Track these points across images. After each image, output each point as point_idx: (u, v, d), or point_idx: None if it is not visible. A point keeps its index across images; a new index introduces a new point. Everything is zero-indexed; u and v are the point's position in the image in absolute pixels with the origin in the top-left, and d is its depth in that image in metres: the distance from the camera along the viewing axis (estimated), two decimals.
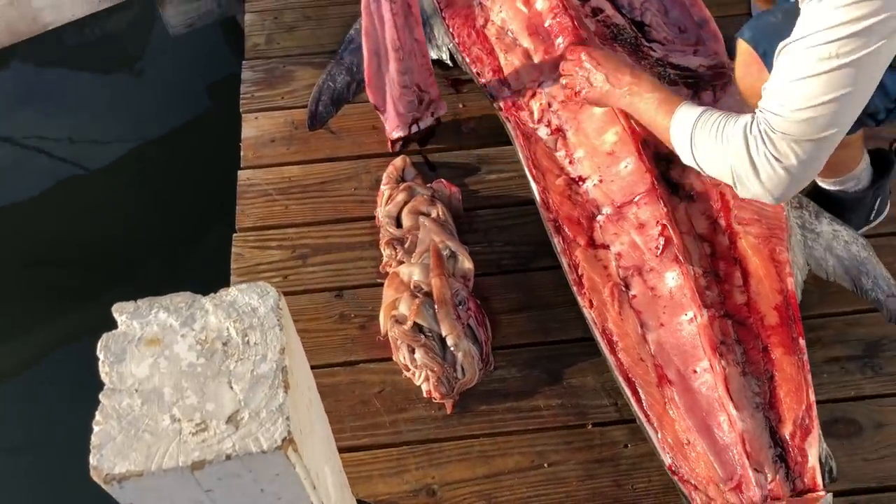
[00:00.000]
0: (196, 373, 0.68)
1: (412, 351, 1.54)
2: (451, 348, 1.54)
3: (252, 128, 1.93)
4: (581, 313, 1.50)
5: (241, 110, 1.96)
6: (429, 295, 1.59)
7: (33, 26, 2.88)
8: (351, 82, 1.97)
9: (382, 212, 1.74)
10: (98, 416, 0.66)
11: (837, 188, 1.63)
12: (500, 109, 1.78)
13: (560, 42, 1.76)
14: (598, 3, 1.93)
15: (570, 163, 1.66)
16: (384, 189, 1.78)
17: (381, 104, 1.80)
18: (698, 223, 1.52)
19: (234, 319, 0.70)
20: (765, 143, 1.16)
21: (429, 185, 1.77)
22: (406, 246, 1.68)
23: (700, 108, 1.30)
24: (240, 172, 1.86)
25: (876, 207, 1.67)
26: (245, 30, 2.11)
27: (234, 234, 1.77)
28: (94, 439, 0.65)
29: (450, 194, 1.76)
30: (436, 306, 1.57)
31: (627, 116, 1.59)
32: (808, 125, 1.12)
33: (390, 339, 1.57)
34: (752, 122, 1.19)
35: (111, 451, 0.64)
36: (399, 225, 1.72)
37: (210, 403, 0.67)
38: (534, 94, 1.76)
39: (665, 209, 1.49)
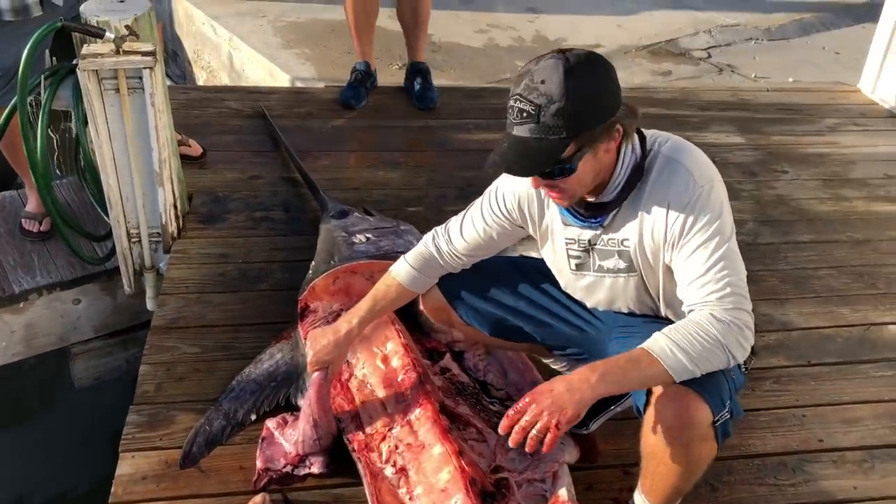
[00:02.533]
0: None
1: None
2: None
3: (127, 465, 2.07)
4: None
5: (119, 450, 2.12)
6: None
7: None
8: (226, 426, 2.18)
9: None
10: None
11: None
12: (354, 451, 1.99)
13: (409, 393, 2.05)
14: (447, 363, 2.27)
15: (410, 498, 1.85)
16: None
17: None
18: None
19: None
20: (737, 319, 1.57)
21: None
22: None
23: (661, 342, 1.57)
24: None
25: None
26: (138, 379, 2.35)
27: None
28: None
29: None
30: None
31: (459, 456, 1.82)
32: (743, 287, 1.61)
33: None
34: (714, 320, 1.57)
35: None
36: None
37: None
38: (384, 438, 2.00)
39: None
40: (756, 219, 3.31)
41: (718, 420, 1.60)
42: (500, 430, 1.57)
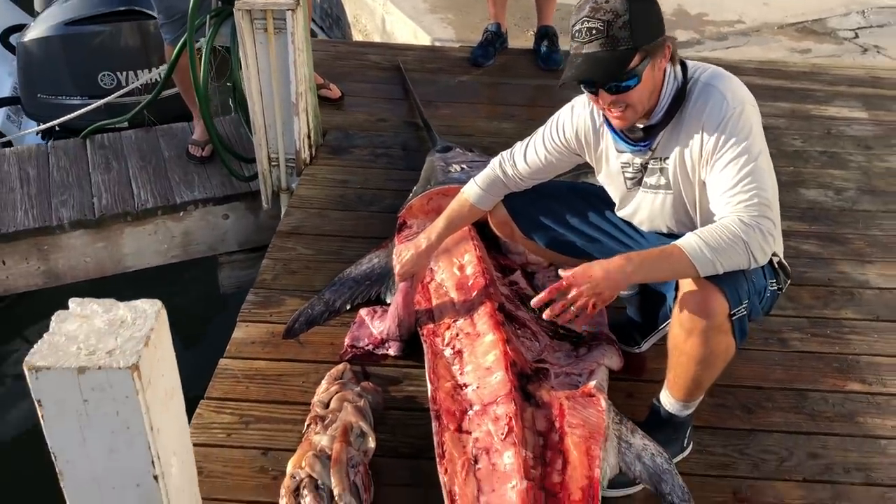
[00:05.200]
0: (99, 331, 1.19)
1: (296, 498, 1.93)
2: (336, 498, 1.93)
3: (241, 332, 2.51)
4: None
5: (237, 320, 2.56)
6: (330, 457, 2.01)
7: (117, 267, 3.69)
8: (325, 311, 2.58)
9: (316, 398, 2.23)
10: (38, 345, 1.17)
11: (683, 412, 2.03)
12: (423, 335, 2.32)
13: (476, 294, 2.35)
14: (516, 278, 2.55)
15: (461, 373, 2.15)
16: (323, 383, 2.28)
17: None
18: (539, 422, 1.96)
19: (132, 313, 1.23)
20: (761, 224, 1.73)
21: (360, 385, 2.27)
22: (326, 423, 2.14)
23: (691, 240, 1.76)
24: (221, 361, 2.41)
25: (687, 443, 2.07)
26: (260, 269, 2.79)
27: (201, 401, 2.26)
28: (32, 349, 1.15)
29: (374, 392, 2.24)
30: (331, 464, 1.98)
31: (506, 343, 2.11)
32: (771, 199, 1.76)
33: (283, 486, 1.97)
34: (740, 222, 1.73)
35: (37, 356, 1.14)
36: (327, 407, 2.20)
37: (101, 344, 1.17)
38: (448, 327, 2.31)
39: (515, 408, 1.94)
40: (859, 187, 3.33)
41: (735, 314, 1.78)
42: (535, 303, 1.82)
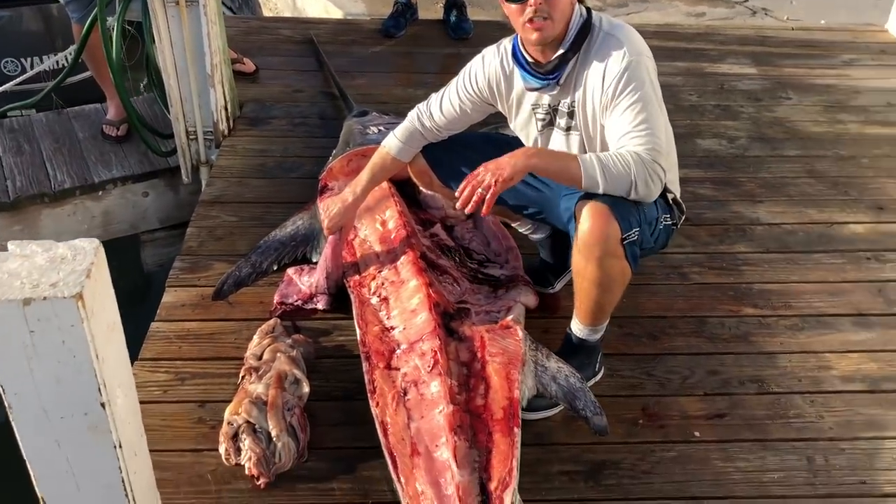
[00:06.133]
0: (41, 267, 1.27)
1: (235, 443, 2.03)
2: (274, 440, 2.03)
3: (170, 296, 2.57)
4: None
5: (165, 285, 2.62)
6: (266, 403, 2.11)
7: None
8: (252, 273, 2.65)
9: (249, 351, 2.31)
10: None
11: (592, 337, 2.20)
12: (350, 287, 2.43)
13: (398, 246, 2.47)
14: (437, 230, 2.69)
15: (388, 318, 2.28)
16: (255, 338, 2.37)
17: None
18: (462, 354, 2.10)
19: (71, 250, 1.30)
20: (653, 164, 1.90)
21: (291, 337, 2.37)
22: (260, 373, 2.23)
23: (588, 155, 1.96)
24: (152, 324, 2.46)
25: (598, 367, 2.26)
26: (185, 237, 2.85)
27: (135, 362, 2.32)
28: None
29: (305, 343, 2.34)
30: (268, 409, 2.08)
31: (429, 287, 2.24)
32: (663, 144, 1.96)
33: (221, 433, 2.06)
34: (634, 154, 1.91)
35: None
36: (260, 359, 2.29)
37: (44, 278, 1.24)
38: (374, 277, 2.43)
39: (439, 342, 2.08)
40: (750, 136, 3.58)
41: (626, 238, 1.95)
42: (457, 193, 1.99)
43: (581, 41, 2.05)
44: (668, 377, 2.34)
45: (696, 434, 2.16)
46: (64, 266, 1.27)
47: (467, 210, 1.98)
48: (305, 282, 2.57)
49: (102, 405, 1.34)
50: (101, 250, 1.33)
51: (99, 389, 1.32)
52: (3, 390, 1.30)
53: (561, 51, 2.06)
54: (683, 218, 2.21)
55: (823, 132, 3.63)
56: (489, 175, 1.95)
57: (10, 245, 1.31)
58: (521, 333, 2.14)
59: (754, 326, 2.54)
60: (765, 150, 3.48)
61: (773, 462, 2.09)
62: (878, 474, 2.06)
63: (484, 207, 1.94)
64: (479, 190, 1.94)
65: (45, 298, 1.21)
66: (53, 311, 1.22)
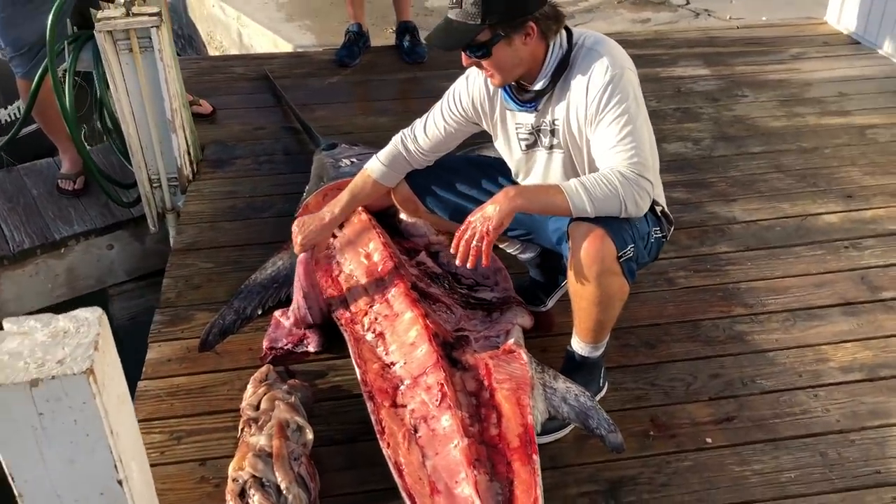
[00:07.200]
0: (44, 344, 1.19)
1: (243, 500, 1.94)
2: (284, 492, 1.95)
3: (154, 352, 2.48)
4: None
5: (148, 341, 2.52)
6: (271, 455, 2.04)
7: None
8: (237, 320, 2.58)
9: (245, 402, 2.23)
10: None
11: (594, 354, 2.18)
12: (342, 325, 2.37)
13: (387, 278, 2.42)
14: (422, 258, 2.64)
15: (386, 353, 2.22)
16: (249, 388, 2.29)
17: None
18: (469, 384, 2.06)
19: (73, 322, 1.23)
20: (639, 181, 1.88)
21: (286, 383, 2.30)
22: (259, 424, 2.15)
23: (572, 182, 1.91)
24: (139, 383, 2.37)
25: (602, 382, 2.23)
26: (162, 289, 2.75)
27: None
28: None
29: (302, 388, 2.27)
30: (273, 460, 2.01)
31: (425, 318, 2.20)
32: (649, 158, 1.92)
33: (227, 492, 1.97)
34: (619, 174, 1.88)
35: None
36: (258, 409, 2.21)
37: (49, 356, 1.17)
38: (366, 313, 2.37)
39: (444, 374, 2.03)
40: (713, 136, 3.63)
41: (622, 256, 1.94)
42: (452, 250, 1.96)
43: (560, 73, 2.04)
44: (671, 385, 2.33)
45: (708, 440, 2.15)
46: (68, 340, 1.20)
47: (468, 265, 1.95)
48: (290, 319, 2.51)
49: (119, 482, 1.27)
50: (105, 319, 1.26)
51: (115, 466, 1.25)
52: (13, 478, 1.22)
53: (537, 87, 2.05)
54: (672, 229, 2.21)
55: (783, 126, 3.69)
56: (479, 226, 1.92)
57: (6, 323, 1.24)
58: (525, 357, 2.11)
59: (747, 325, 2.55)
60: (730, 148, 3.52)
61: (788, 461, 2.09)
62: (892, 462, 2.08)
63: (483, 259, 1.92)
64: (474, 244, 1.92)
65: (53, 377, 1.14)
66: (63, 390, 1.15)
